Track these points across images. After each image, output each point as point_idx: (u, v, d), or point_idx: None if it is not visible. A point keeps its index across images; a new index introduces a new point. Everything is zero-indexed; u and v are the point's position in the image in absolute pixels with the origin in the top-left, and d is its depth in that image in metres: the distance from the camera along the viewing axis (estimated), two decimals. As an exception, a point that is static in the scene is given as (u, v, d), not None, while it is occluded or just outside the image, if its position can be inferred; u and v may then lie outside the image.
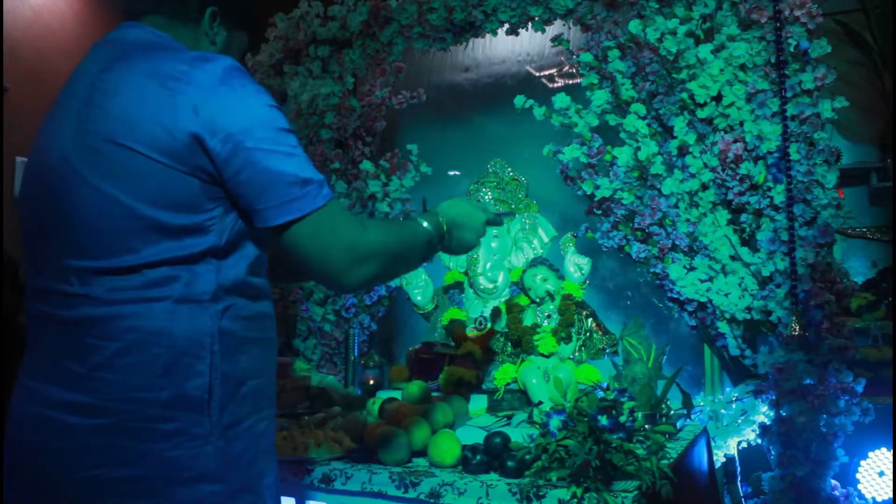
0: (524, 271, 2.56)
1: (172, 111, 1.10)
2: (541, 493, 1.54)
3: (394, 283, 3.17)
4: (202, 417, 1.12)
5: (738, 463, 2.46)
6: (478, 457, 1.71)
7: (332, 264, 1.19)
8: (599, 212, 2.65)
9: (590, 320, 2.44)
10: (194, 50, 1.25)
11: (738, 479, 2.46)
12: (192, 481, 1.10)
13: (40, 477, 1.12)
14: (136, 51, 1.20)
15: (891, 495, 2.30)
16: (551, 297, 2.45)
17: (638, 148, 2.49)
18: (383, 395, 2.46)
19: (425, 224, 1.43)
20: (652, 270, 2.56)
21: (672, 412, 2.22)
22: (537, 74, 3.59)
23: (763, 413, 2.37)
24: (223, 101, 1.12)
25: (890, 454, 2.31)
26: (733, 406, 2.44)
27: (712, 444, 2.36)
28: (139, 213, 1.10)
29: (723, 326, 2.47)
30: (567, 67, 3.36)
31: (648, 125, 2.49)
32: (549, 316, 2.46)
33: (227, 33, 1.35)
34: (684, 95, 2.41)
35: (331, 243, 1.19)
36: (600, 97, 2.55)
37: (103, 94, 1.14)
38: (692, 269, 2.48)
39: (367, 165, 3.16)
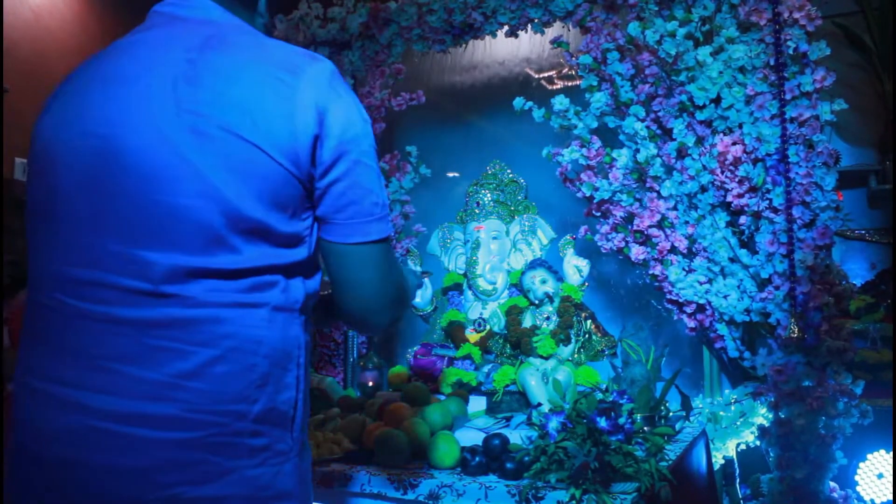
0: (523, 273, 2.56)
1: (295, 110, 1.03)
2: (539, 495, 1.54)
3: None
4: (286, 433, 1.07)
5: (736, 465, 2.46)
6: (477, 458, 1.72)
7: (383, 297, 1.16)
8: (598, 214, 2.65)
9: (589, 322, 2.44)
10: None
11: (737, 481, 2.47)
12: (272, 500, 1.04)
13: (95, 500, 0.98)
14: (236, 33, 1.10)
15: (889, 497, 2.30)
16: (550, 298, 2.45)
17: (637, 150, 2.50)
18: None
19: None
20: (651, 272, 2.56)
21: (671, 414, 2.23)
22: (536, 76, 3.60)
23: (762, 415, 2.37)
24: (336, 106, 1.07)
25: (889, 456, 2.32)
26: (732, 408, 2.44)
27: (711, 446, 2.36)
28: (246, 213, 1.01)
29: (722, 328, 2.47)
30: (566, 69, 3.36)
31: (647, 127, 2.49)
32: (547, 318, 2.46)
33: (268, 19, 1.27)
34: (683, 98, 2.41)
35: (388, 275, 1.16)
36: (599, 99, 2.55)
37: (214, 76, 1.02)
38: (691, 271, 2.48)
39: (366, 167, 3.17)
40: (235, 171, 1.00)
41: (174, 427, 0.97)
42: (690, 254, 2.50)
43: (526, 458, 1.64)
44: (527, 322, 2.48)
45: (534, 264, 2.54)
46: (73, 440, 0.99)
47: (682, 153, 2.44)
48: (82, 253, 1.02)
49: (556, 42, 2.75)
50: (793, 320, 2.19)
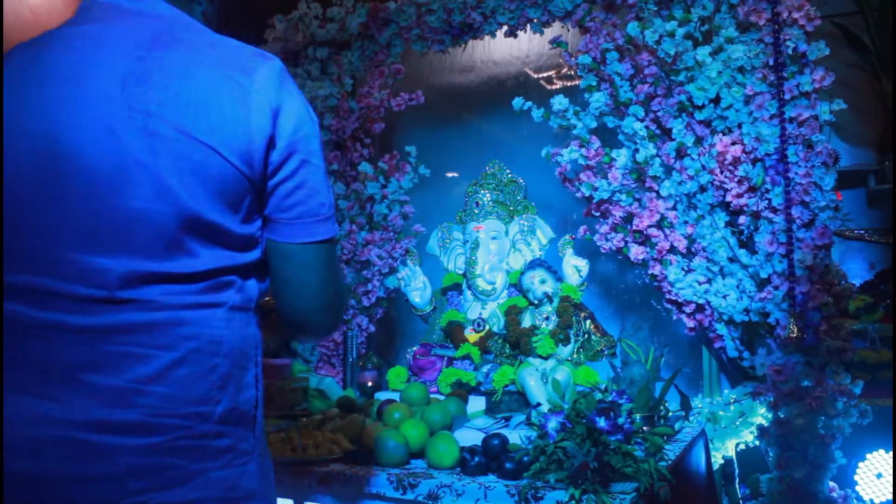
0: (522, 273, 2.56)
1: (250, 111, 1.02)
2: (539, 495, 1.54)
3: (392, 285, 3.16)
4: (248, 433, 1.07)
5: (736, 465, 2.46)
6: (476, 458, 1.71)
7: (325, 299, 1.15)
8: (598, 214, 2.65)
9: (588, 322, 2.44)
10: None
11: (736, 480, 2.47)
12: (239, 501, 1.04)
13: None
14: (184, 30, 1.07)
15: (888, 497, 2.30)
16: (549, 298, 2.45)
17: (636, 150, 2.50)
18: (381, 396, 2.46)
19: None
20: (650, 272, 2.56)
21: (670, 414, 2.23)
22: (536, 76, 3.59)
23: (761, 415, 2.37)
24: (288, 105, 1.06)
25: (888, 456, 2.32)
26: (731, 408, 2.44)
27: (710, 445, 2.36)
28: (202, 216, 1.00)
29: (721, 328, 2.47)
30: (565, 69, 3.36)
31: (647, 127, 2.49)
32: (547, 318, 2.46)
33: (211, 5, 1.21)
34: (682, 98, 2.41)
35: (332, 277, 1.15)
36: (598, 99, 2.55)
37: (166, 75, 0.99)
38: (690, 270, 2.48)
39: (365, 167, 3.17)
40: (190, 173, 0.98)
41: (139, 433, 0.96)
42: (689, 254, 2.50)
43: (525, 458, 1.64)
44: (526, 322, 2.48)
45: (533, 264, 2.54)
46: (37, 452, 0.96)
47: (681, 153, 2.44)
48: (34, 261, 0.99)
49: (556, 42, 2.75)
50: (792, 320, 2.19)
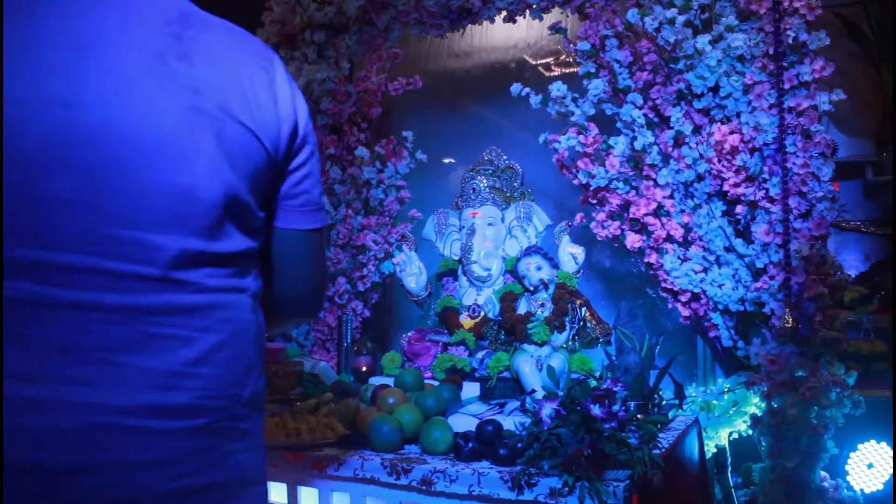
0: (518, 260, 2.55)
1: (277, 99, 1.05)
2: (532, 481, 1.54)
3: (387, 270, 3.16)
4: (260, 418, 1.07)
5: (728, 454, 2.47)
6: (470, 444, 1.72)
7: (319, 285, 1.22)
8: (594, 201, 2.64)
9: (583, 309, 2.44)
10: None
11: (729, 469, 2.48)
12: (255, 483, 1.04)
13: (95, 502, 0.89)
14: (203, 12, 1.06)
15: (879, 487, 2.32)
16: (545, 285, 2.45)
17: (634, 137, 2.49)
18: (376, 381, 2.46)
19: None
20: (646, 260, 2.56)
21: (664, 402, 2.23)
22: (534, 62, 3.58)
23: (754, 404, 2.38)
24: (299, 97, 1.10)
25: (879, 446, 2.33)
26: (725, 397, 2.45)
27: (703, 434, 2.37)
28: (241, 197, 1.00)
29: (716, 317, 2.47)
30: (564, 56, 3.35)
31: (645, 115, 2.48)
32: (542, 304, 2.46)
33: None
34: (681, 86, 2.40)
35: (324, 263, 1.22)
36: (597, 86, 2.54)
37: (203, 55, 0.98)
38: (686, 259, 2.48)
39: (362, 152, 3.15)
40: (232, 153, 0.99)
41: (187, 415, 0.94)
42: (686, 242, 2.50)
43: (519, 445, 1.64)
44: (521, 309, 2.48)
45: (529, 251, 2.54)
46: (71, 441, 0.88)
47: (679, 141, 2.43)
48: (66, 238, 0.90)
49: (555, 28, 2.73)
50: (787, 310, 2.19)
